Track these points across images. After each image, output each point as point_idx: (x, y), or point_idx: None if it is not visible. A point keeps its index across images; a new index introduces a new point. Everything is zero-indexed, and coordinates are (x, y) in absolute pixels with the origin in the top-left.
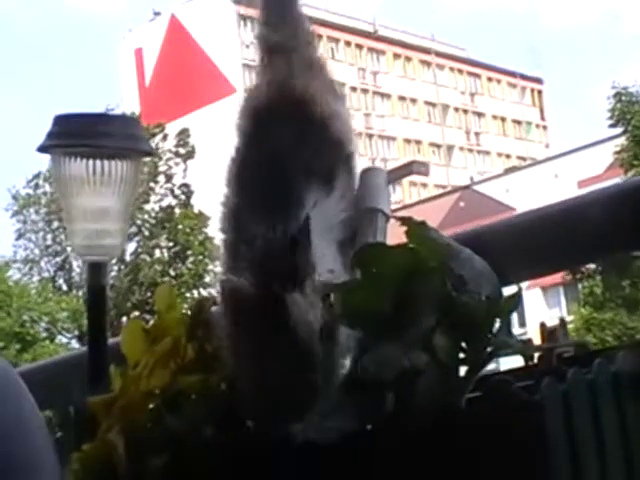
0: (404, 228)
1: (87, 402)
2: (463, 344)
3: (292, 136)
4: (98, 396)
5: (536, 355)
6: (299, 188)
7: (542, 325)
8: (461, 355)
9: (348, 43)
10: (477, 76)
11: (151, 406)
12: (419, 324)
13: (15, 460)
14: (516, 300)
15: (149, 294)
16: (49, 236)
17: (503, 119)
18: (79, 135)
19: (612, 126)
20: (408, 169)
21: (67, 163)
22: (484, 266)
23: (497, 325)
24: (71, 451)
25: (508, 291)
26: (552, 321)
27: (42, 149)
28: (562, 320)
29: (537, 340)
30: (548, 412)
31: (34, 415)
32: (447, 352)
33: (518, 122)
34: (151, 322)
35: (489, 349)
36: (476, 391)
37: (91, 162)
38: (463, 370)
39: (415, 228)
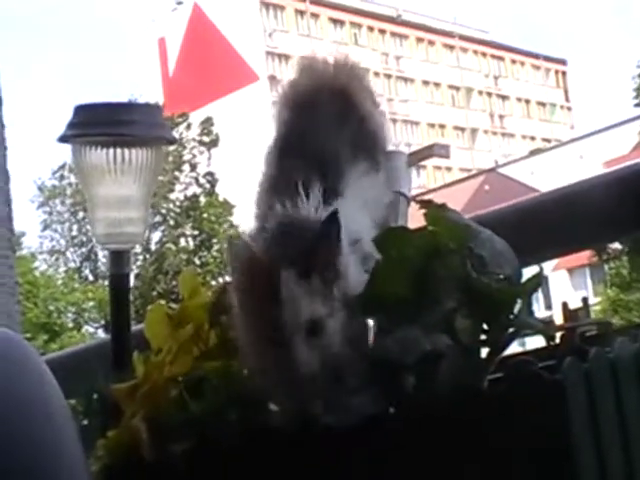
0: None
1: (111, 389)
2: (484, 325)
3: (333, 118)
4: (122, 383)
5: (558, 335)
6: (339, 162)
7: (564, 305)
8: (482, 336)
9: (371, 28)
10: (501, 59)
11: (174, 392)
12: (440, 306)
13: (37, 442)
14: (537, 281)
15: (174, 283)
16: (75, 227)
17: (527, 101)
18: (99, 124)
19: (638, 105)
20: (429, 151)
21: (87, 152)
22: (504, 246)
23: (518, 306)
24: (96, 438)
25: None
26: (578, 303)
27: (63, 139)
28: (584, 299)
29: (560, 320)
30: (570, 392)
31: (57, 397)
32: (468, 334)
33: (542, 104)
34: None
35: (511, 330)
36: (498, 372)
37: (112, 151)
38: (485, 351)
39: (434, 211)
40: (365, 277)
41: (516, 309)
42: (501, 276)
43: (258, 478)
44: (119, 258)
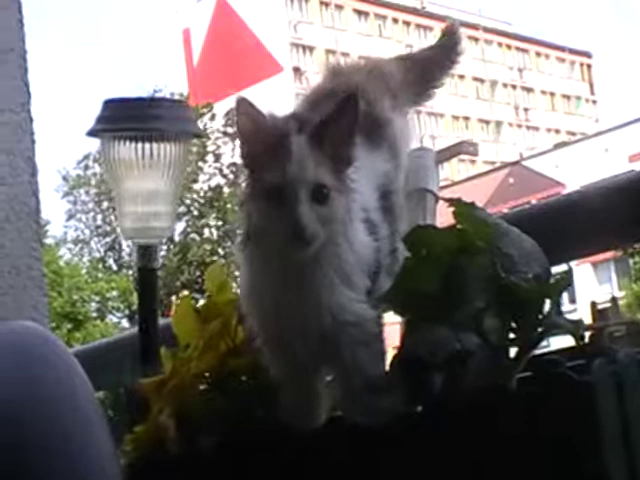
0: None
1: (138, 384)
2: (513, 325)
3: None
4: (149, 378)
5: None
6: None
7: (593, 304)
8: (511, 336)
9: (395, 20)
10: (525, 51)
11: (201, 388)
12: (469, 305)
13: (66, 436)
14: (566, 281)
15: (198, 273)
16: (99, 217)
17: (552, 94)
18: (127, 119)
19: None
20: (457, 149)
21: (116, 147)
22: (533, 245)
23: (547, 305)
24: (123, 432)
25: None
26: (603, 296)
27: (91, 133)
28: (614, 298)
29: (587, 318)
30: (600, 394)
31: (85, 391)
32: (497, 333)
33: (567, 97)
34: (201, 302)
35: (539, 330)
36: (526, 371)
37: (140, 145)
38: (513, 350)
39: (463, 209)
40: (370, 243)
41: (545, 308)
42: (529, 275)
43: (284, 475)
44: (146, 252)
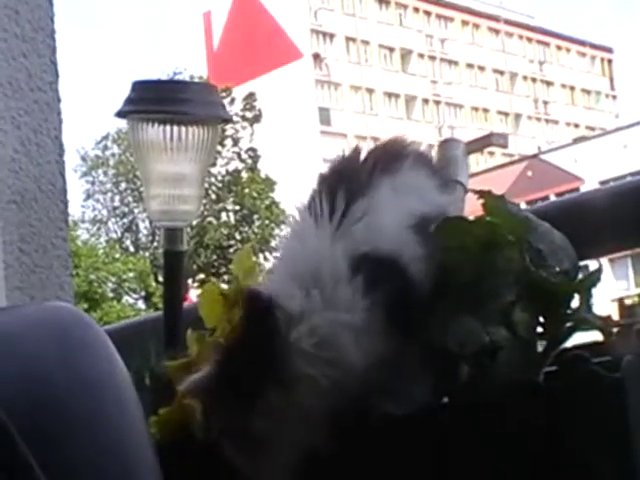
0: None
1: (164, 366)
2: (541, 319)
3: None
4: (175, 360)
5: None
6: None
7: (620, 301)
8: (539, 329)
9: (416, 9)
10: (546, 44)
11: None
12: (499, 298)
13: (110, 421)
14: (597, 276)
15: (214, 257)
16: (117, 197)
17: (572, 88)
18: (157, 101)
19: None
20: (487, 141)
21: (144, 129)
22: (563, 240)
23: (576, 300)
24: (148, 414)
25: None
26: (619, 292)
27: (120, 114)
28: None
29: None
30: (630, 391)
31: (123, 372)
32: (526, 327)
33: (587, 91)
34: (225, 286)
35: (568, 325)
36: (553, 365)
37: (168, 128)
38: (541, 344)
39: (493, 201)
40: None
41: (574, 304)
42: (558, 270)
43: (309, 460)
44: (173, 235)
